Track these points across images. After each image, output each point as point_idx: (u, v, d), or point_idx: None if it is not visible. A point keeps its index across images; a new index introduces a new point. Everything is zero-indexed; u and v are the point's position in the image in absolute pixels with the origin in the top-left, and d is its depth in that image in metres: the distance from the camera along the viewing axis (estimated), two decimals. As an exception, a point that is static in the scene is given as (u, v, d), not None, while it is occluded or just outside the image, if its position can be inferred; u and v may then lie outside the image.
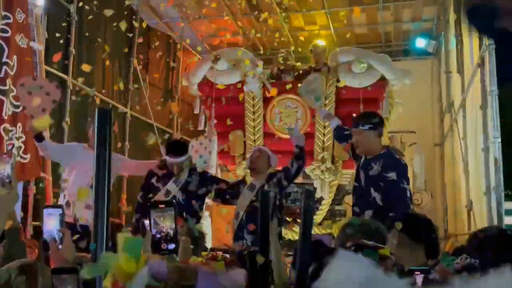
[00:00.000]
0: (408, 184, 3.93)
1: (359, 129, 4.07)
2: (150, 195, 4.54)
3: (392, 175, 3.87)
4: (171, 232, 1.79)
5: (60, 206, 2.03)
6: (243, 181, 5.04)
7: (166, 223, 1.82)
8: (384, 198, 3.87)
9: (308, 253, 1.23)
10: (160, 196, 4.45)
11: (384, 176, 3.89)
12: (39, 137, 4.31)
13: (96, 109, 1.06)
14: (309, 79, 5.67)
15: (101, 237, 0.98)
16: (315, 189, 6.51)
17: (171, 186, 4.56)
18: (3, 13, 4.60)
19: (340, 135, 4.77)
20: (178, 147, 4.63)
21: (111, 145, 1.05)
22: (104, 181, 0.98)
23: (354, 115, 4.56)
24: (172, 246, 1.76)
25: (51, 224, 1.92)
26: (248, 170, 5.08)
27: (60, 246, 1.89)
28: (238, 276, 1.34)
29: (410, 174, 7.31)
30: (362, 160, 4.13)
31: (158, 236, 1.80)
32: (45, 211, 1.96)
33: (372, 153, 4.04)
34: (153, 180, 4.64)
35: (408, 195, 3.88)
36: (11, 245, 2.16)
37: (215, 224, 6.90)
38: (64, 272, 1.72)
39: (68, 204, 4.49)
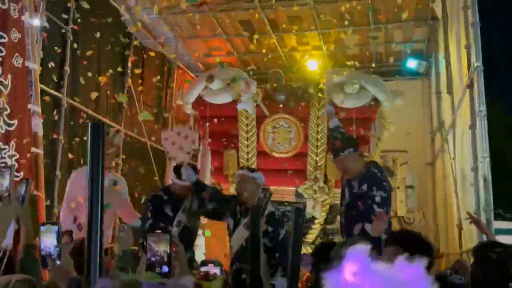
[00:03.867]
0: (379, 190, 3.87)
1: (342, 156, 4.11)
2: (162, 225, 4.20)
3: (364, 187, 3.95)
4: (165, 256, 1.85)
5: (57, 223, 2.04)
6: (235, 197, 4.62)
7: (161, 248, 1.88)
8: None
9: (297, 266, 1.28)
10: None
11: (361, 189, 3.98)
12: None
13: (89, 124, 1.08)
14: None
15: (94, 257, 1.01)
16: (304, 207, 6.53)
17: (181, 215, 4.35)
18: (-1, 33, 4.65)
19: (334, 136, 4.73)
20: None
21: (104, 159, 1.07)
22: (97, 190, 1.01)
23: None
24: (166, 269, 1.81)
25: (48, 240, 1.95)
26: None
27: (58, 262, 1.92)
28: (187, 283, 1.38)
29: (402, 194, 7.37)
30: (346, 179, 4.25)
31: (153, 259, 1.86)
32: (42, 227, 1.98)
33: (356, 174, 4.09)
34: (164, 207, 4.37)
35: (378, 200, 3.82)
36: (26, 261, 2.19)
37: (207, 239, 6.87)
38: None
39: (80, 227, 4.56)
